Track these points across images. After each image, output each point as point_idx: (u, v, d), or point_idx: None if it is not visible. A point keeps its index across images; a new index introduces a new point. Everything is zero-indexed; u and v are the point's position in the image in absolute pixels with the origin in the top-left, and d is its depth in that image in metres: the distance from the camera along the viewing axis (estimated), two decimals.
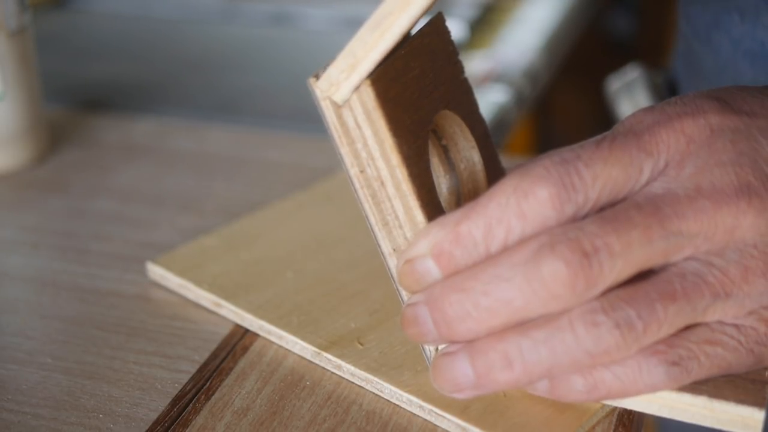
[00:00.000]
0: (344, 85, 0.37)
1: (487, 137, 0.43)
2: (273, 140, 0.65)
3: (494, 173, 0.43)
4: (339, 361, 0.42)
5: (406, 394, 0.40)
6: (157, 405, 0.41)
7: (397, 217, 0.38)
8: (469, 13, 0.92)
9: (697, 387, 0.36)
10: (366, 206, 0.38)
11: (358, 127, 0.38)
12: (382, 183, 0.38)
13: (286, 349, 0.43)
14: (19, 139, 0.61)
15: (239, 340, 0.44)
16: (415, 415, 0.39)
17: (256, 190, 0.58)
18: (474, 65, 0.84)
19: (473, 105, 0.43)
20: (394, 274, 0.39)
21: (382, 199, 0.38)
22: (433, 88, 0.40)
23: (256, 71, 0.80)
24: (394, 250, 0.38)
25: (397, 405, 0.40)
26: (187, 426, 0.39)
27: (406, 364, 0.41)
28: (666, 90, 0.64)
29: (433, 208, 0.38)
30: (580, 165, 0.33)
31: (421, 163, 0.38)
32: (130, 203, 0.58)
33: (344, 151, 0.38)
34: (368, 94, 0.37)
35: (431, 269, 0.35)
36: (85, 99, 0.73)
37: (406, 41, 0.39)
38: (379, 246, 0.39)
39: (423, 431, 0.39)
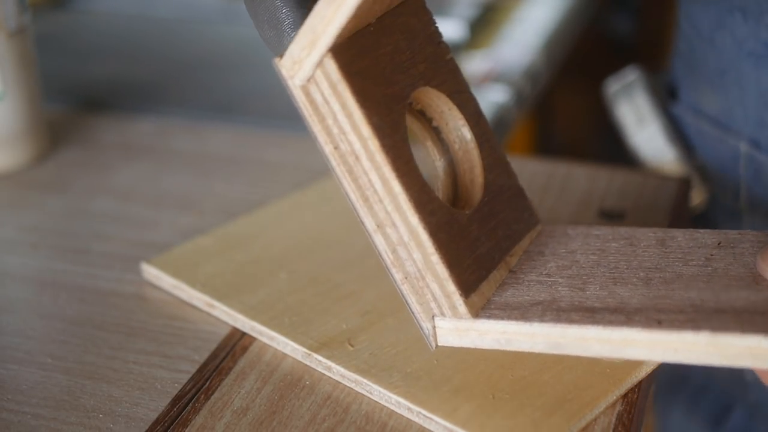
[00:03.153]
0: (306, 62, 0.37)
1: (479, 115, 0.42)
2: (273, 140, 0.65)
3: (489, 151, 0.42)
4: (329, 363, 0.42)
5: (395, 396, 0.39)
6: (157, 405, 0.41)
7: (375, 191, 0.37)
8: (469, 13, 0.92)
9: (699, 324, 0.35)
10: (344, 183, 0.38)
11: (326, 102, 0.37)
12: (357, 157, 0.37)
13: None
14: (19, 139, 0.61)
15: (239, 340, 0.44)
16: None
17: (255, 190, 0.58)
18: (474, 65, 0.84)
19: (461, 84, 0.42)
20: (381, 251, 0.38)
21: (359, 174, 0.38)
22: (411, 65, 0.40)
23: (256, 71, 0.80)
24: (378, 226, 0.38)
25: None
26: (187, 425, 0.39)
27: (396, 366, 0.41)
28: (665, 92, 0.64)
29: (411, 179, 0.37)
30: None
31: (396, 135, 0.38)
32: (130, 203, 0.58)
33: (316, 129, 0.38)
34: (331, 66, 0.37)
35: None
36: (85, 99, 0.73)
37: (377, 19, 0.39)
38: (363, 223, 0.38)
39: (422, 431, 0.39)
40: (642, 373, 0.41)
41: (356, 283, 0.47)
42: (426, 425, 0.39)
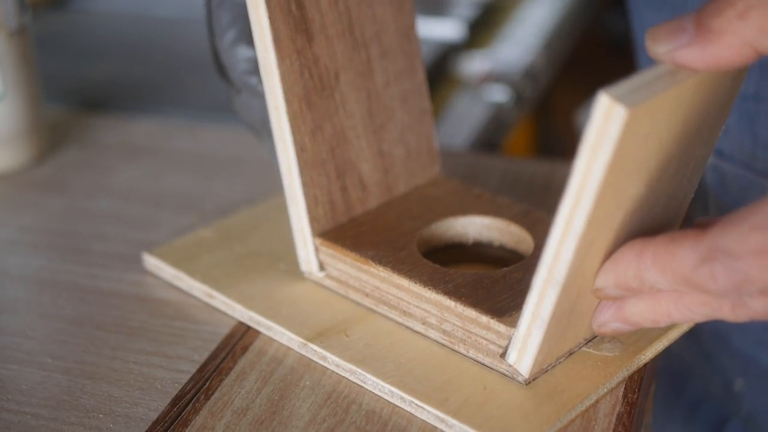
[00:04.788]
0: (311, 256, 0.45)
1: (525, 212, 0.47)
2: None
3: (542, 227, 0.45)
4: (324, 352, 0.42)
5: (387, 385, 0.40)
6: (157, 405, 0.41)
7: (402, 299, 0.43)
8: (469, 13, 0.92)
9: None
10: (393, 317, 0.43)
11: (340, 271, 0.45)
12: (379, 288, 0.43)
13: (287, 348, 0.44)
14: (19, 139, 0.61)
15: (239, 340, 0.44)
16: (414, 415, 0.39)
17: (256, 190, 0.58)
18: (474, 65, 0.84)
19: (500, 206, 0.48)
20: (442, 342, 0.42)
21: (392, 300, 0.43)
22: (425, 212, 0.47)
23: None
24: (423, 324, 0.42)
25: (397, 405, 0.40)
26: (187, 426, 0.39)
27: (390, 356, 0.41)
28: None
29: (418, 273, 0.42)
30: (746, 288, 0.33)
31: (401, 252, 0.44)
32: (130, 203, 0.58)
33: (355, 297, 0.44)
34: (323, 246, 0.45)
35: (619, 293, 0.37)
36: (85, 99, 0.73)
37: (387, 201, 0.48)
38: (419, 332, 0.43)
39: (422, 431, 0.39)
40: (633, 366, 0.41)
41: None
42: (418, 414, 0.39)
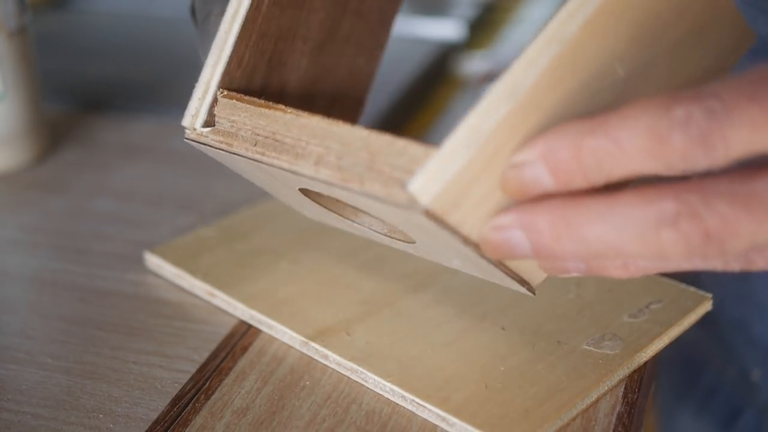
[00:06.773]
0: (201, 111, 0.40)
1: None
2: None
3: None
4: (326, 351, 0.42)
5: (389, 384, 0.40)
6: (156, 405, 0.41)
7: (302, 139, 0.37)
8: (469, 13, 0.92)
9: None
10: (330, 179, 0.36)
11: (235, 123, 0.39)
12: (298, 138, 0.37)
13: (288, 346, 0.44)
14: (19, 139, 0.61)
15: (239, 340, 0.44)
16: (414, 414, 0.39)
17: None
18: (474, 65, 0.84)
19: None
20: (331, 181, 0.35)
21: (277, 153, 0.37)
22: None
23: None
24: (315, 164, 0.36)
25: (397, 404, 0.40)
26: (187, 426, 0.39)
27: (392, 355, 0.42)
28: None
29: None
30: (726, 124, 0.28)
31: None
32: (130, 203, 0.58)
33: (253, 152, 0.38)
34: (226, 96, 0.39)
35: (543, 179, 0.30)
36: (85, 99, 0.73)
37: None
38: (306, 175, 0.36)
39: (422, 431, 0.39)
40: (634, 364, 0.41)
41: (355, 273, 0.47)
42: (419, 413, 0.39)
